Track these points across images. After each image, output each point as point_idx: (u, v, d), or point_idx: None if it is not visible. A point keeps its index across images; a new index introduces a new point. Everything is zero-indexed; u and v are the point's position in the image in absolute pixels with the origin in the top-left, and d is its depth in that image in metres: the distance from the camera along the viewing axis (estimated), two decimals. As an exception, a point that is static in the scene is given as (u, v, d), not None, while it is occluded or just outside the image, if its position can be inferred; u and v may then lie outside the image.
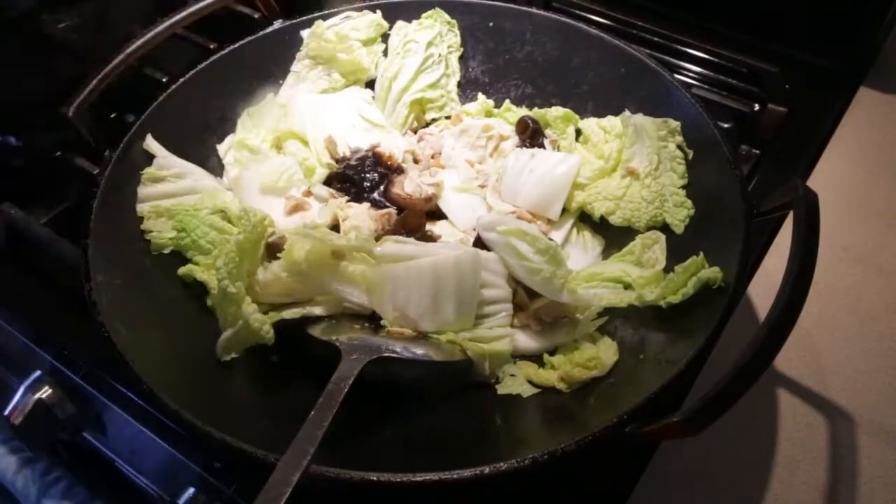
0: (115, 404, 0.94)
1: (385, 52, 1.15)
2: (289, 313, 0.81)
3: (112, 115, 1.20)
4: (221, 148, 1.06)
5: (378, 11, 1.15)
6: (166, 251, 0.90)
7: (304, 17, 1.12)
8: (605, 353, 0.81)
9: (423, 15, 1.14)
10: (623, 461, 0.82)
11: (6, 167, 1.22)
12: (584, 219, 1.00)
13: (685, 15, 1.35)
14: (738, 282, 0.76)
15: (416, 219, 0.94)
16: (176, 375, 0.76)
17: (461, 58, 1.16)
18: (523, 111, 1.10)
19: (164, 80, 1.22)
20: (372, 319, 0.84)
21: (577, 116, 1.06)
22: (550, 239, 0.89)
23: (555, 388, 0.81)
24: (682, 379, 0.70)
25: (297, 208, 0.97)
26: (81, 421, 1.00)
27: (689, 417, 0.59)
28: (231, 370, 0.80)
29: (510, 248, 0.83)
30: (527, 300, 0.87)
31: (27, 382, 0.99)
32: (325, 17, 1.12)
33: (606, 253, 0.96)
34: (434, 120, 1.13)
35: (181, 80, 1.01)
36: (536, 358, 0.86)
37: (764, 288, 0.97)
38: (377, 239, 0.88)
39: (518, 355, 0.85)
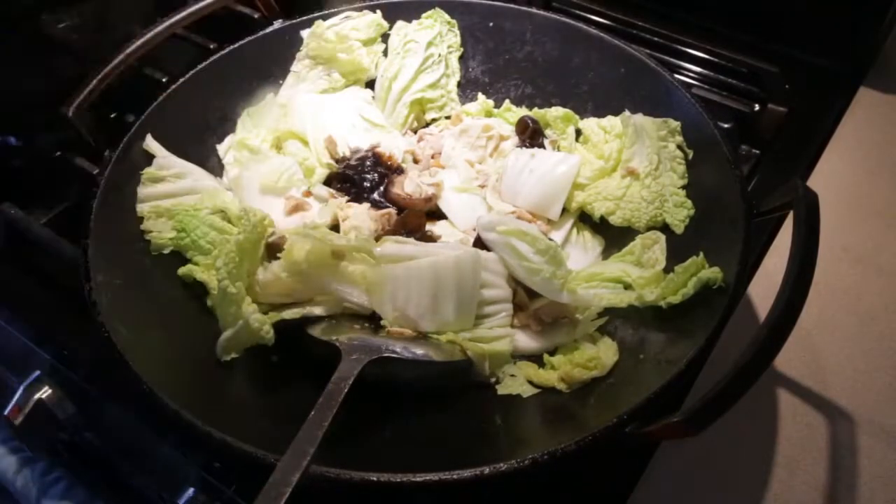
0: (116, 404, 0.94)
1: (385, 52, 1.15)
2: (289, 313, 0.81)
3: (112, 115, 1.20)
4: (221, 148, 1.06)
5: (378, 11, 1.15)
6: (166, 251, 0.90)
7: (304, 17, 1.12)
8: (605, 353, 0.81)
9: (423, 15, 1.14)
10: (623, 461, 0.82)
11: (6, 167, 1.22)
12: (584, 219, 1.00)
13: (685, 15, 1.35)
14: (738, 282, 0.76)
15: (416, 219, 0.94)
16: (176, 375, 0.76)
17: (461, 58, 1.16)
18: (523, 111, 1.10)
19: (164, 80, 1.22)
20: (372, 319, 0.84)
21: (576, 116, 1.06)
22: (550, 239, 0.88)
23: (555, 389, 0.81)
24: (682, 379, 0.70)
25: (297, 208, 0.97)
26: (81, 421, 1.00)
27: (689, 417, 0.59)
28: (231, 370, 0.80)
29: (510, 248, 0.83)
30: (527, 300, 0.87)
31: (27, 382, 0.99)
32: (325, 17, 1.12)
33: (606, 253, 0.96)
34: (434, 120, 1.13)
35: (181, 80, 1.01)
36: (536, 358, 0.86)
37: (764, 288, 0.97)
38: (377, 239, 0.88)
39: (518, 355, 0.85)
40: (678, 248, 0.88)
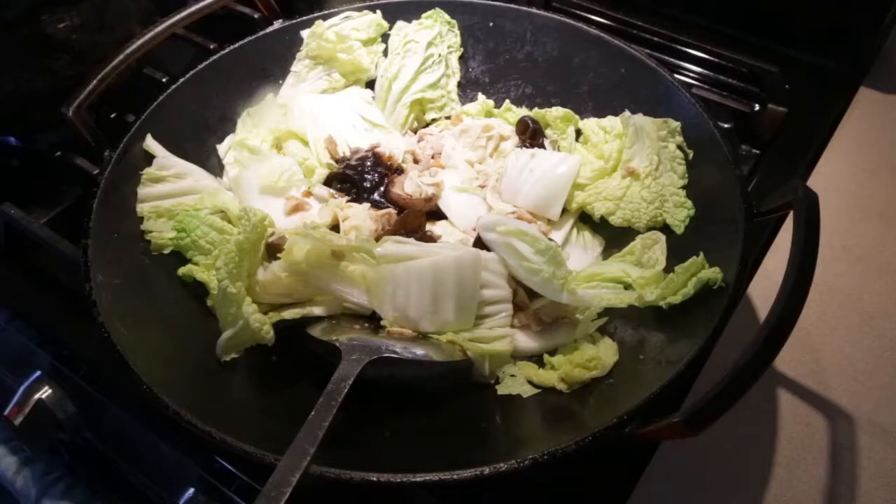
0: (116, 404, 0.94)
1: (385, 53, 1.15)
2: (289, 313, 0.81)
3: (112, 115, 1.21)
4: (221, 148, 1.06)
5: (378, 11, 1.15)
6: (166, 251, 0.90)
7: (304, 17, 1.12)
8: (605, 353, 0.81)
9: (423, 15, 1.14)
10: (623, 461, 0.82)
11: (6, 167, 1.22)
12: (584, 219, 1.00)
13: (685, 15, 1.35)
14: (738, 282, 0.76)
15: (416, 219, 0.94)
16: (176, 375, 0.76)
17: (461, 58, 1.16)
18: (523, 111, 1.10)
19: (164, 80, 1.22)
20: (372, 320, 0.84)
21: (577, 116, 1.06)
22: (550, 239, 0.89)
23: (555, 389, 0.81)
24: (681, 379, 0.70)
25: (297, 208, 0.97)
26: (81, 421, 1.00)
27: (688, 417, 0.59)
28: (231, 370, 0.80)
29: (510, 248, 0.83)
30: (527, 300, 0.87)
31: (27, 382, 0.99)
32: (325, 17, 1.12)
33: (606, 253, 0.96)
34: (434, 120, 1.13)
35: (181, 80, 1.02)
36: (536, 358, 0.86)
37: (764, 288, 0.97)
38: (377, 239, 0.88)
39: (518, 355, 0.85)
40: (678, 249, 0.88)
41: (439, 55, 1.12)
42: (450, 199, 0.99)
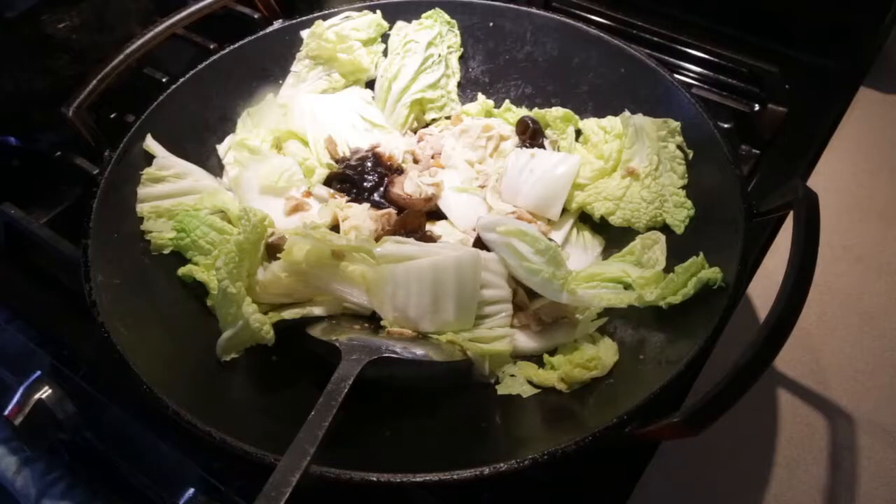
0: (116, 404, 0.94)
1: (385, 53, 1.15)
2: (289, 313, 0.81)
3: (112, 115, 1.21)
4: (221, 148, 1.06)
5: (378, 11, 1.15)
6: (166, 251, 0.90)
7: (304, 17, 1.12)
8: (605, 353, 0.81)
9: (423, 15, 1.14)
10: (623, 461, 0.82)
11: (6, 167, 1.22)
12: (584, 219, 1.00)
13: (685, 15, 1.35)
14: (738, 282, 0.76)
15: (416, 219, 0.94)
16: (176, 375, 0.76)
17: (461, 58, 1.16)
18: (523, 111, 1.10)
19: (164, 80, 1.22)
20: (372, 320, 0.84)
21: (576, 117, 1.06)
22: (550, 239, 0.89)
23: (555, 389, 0.81)
24: (681, 379, 0.70)
25: (296, 208, 0.97)
26: (81, 421, 1.00)
27: (688, 417, 0.59)
28: (231, 370, 0.80)
29: (510, 248, 0.83)
30: (527, 300, 0.87)
31: (27, 382, 0.99)
32: (325, 17, 1.12)
33: (606, 253, 0.96)
34: (434, 120, 1.13)
35: (181, 80, 1.02)
36: (536, 358, 0.86)
37: (764, 288, 0.97)
38: (377, 239, 0.88)
39: (518, 355, 0.85)
40: (678, 249, 0.88)
41: (439, 55, 1.12)
42: (450, 199, 0.98)
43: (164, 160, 0.95)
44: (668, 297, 0.79)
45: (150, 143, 0.95)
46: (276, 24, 1.12)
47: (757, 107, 1.17)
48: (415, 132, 1.12)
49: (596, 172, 0.98)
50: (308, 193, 0.99)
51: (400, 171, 1.03)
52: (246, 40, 1.08)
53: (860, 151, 1.17)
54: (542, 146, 1.04)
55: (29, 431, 0.98)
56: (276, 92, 1.11)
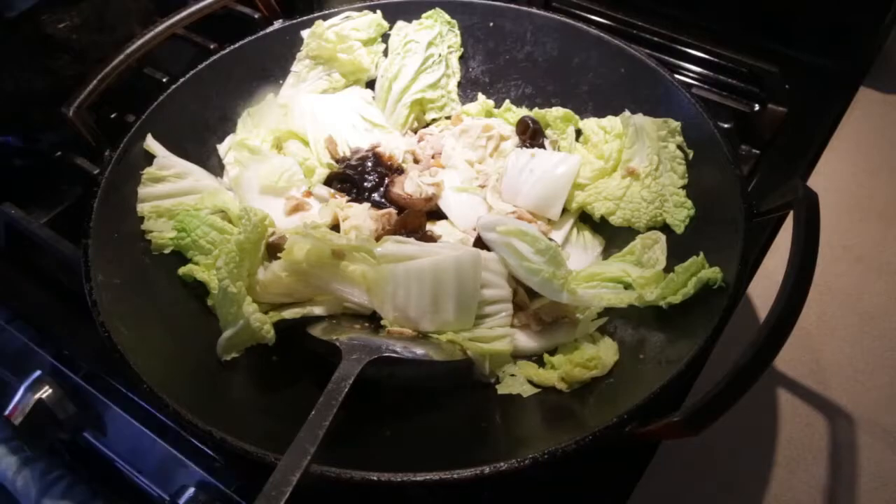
0: (116, 404, 0.94)
1: (385, 53, 1.15)
2: (289, 313, 0.81)
3: (112, 115, 1.21)
4: (222, 148, 1.06)
5: (378, 11, 1.15)
6: (166, 251, 0.90)
7: (305, 17, 1.12)
8: (605, 352, 0.81)
9: (424, 15, 1.14)
10: (623, 461, 0.82)
11: (6, 167, 1.22)
12: (585, 219, 1.00)
13: (685, 15, 1.35)
14: (738, 282, 0.76)
15: (417, 219, 0.94)
16: (176, 375, 0.76)
17: (461, 58, 1.16)
18: (523, 111, 1.10)
19: (164, 80, 1.22)
20: (372, 319, 0.84)
21: (577, 116, 1.06)
22: (550, 239, 0.89)
23: (555, 388, 0.81)
24: (681, 379, 0.70)
25: (297, 208, 0.97)
26: (81, 421, 1.00)
27: (689, 417, 0.59)
28: (231, 370, 0.80)
29: (510, 248, 0.83)
30: (527, 300, 0.87)
31: (27, 382, 0.99)
32: (325, 17, 1.12)
33: (606, 253, 0.96)
34: (434, 120, 1.13)
35: (181, 80, 1.02)
36: (536, 358, 0.86)
37: (764, 288, 0.98)
38: (377, 239, 0.88)
39: (518, 355, 0.85)
40: (678, 248, 0.88)
41: (439, 55, 1.12)
42: (450, 198, 0.99)
43: (165, 160, 0.95)
44: (668, 297, 0.79)
45: (151, 143, 0.95)
46: (277, 24, 1.12)
47: (757, 107, 1.17)
48: (415, 132, 1.12)
49: (596, 172, 0.98)
50: (308, 193, 0.99)
51: (400, 170, 1.03)
52: (246, 40, 1.08)
53: (860, 151, 1.17)
54: (542, 146, 1.04)
55: (29, 431, 0.98)
56: (277, 92, 1.11)
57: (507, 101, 1.13)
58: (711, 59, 1.23)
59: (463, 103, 1.15)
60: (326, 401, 0.67)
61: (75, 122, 0.95)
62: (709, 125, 0.91)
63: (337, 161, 1.03)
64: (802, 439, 0.84)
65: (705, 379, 0.85)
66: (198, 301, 0.88)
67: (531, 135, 1.04)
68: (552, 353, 0.85)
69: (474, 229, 0.92)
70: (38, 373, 1.00)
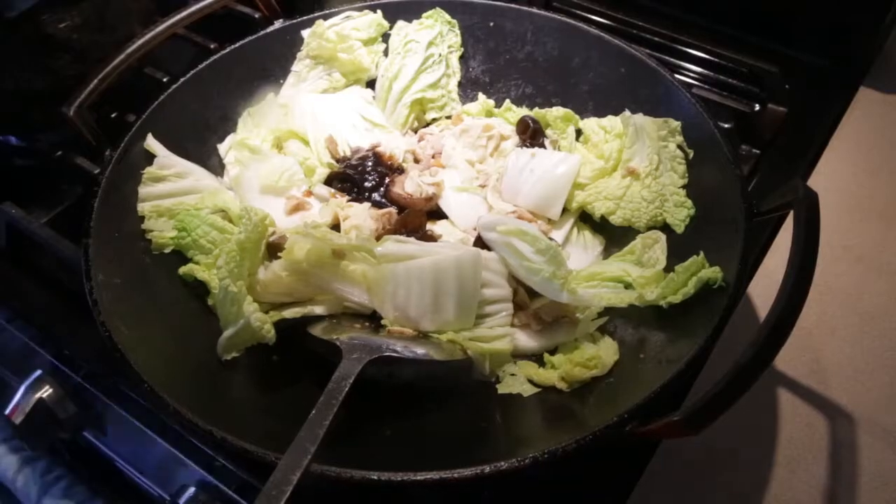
0: (116, 404, 0.94)
1: (385, 52, 1.15)
2: (290, 312, 0.81)
3: (113, 115, 1.21)
4: (222, 147, 1.06)
5: (378, 11, 1.15)
6: (167, 250, 0.90)
7: (305, 17, 1.12)
8: (605, 352, 0.81)
9: (424, 15, 1.14)
10: (623, 460, 0.82)
11: (7, 166, 1.22)
12: (585, 218, 1.00)
13: (685, 15, 1.35)
14: (739, 281, 0.76)
15: (417, 218, 0.94)
16: (177, 374, 0.76)
17: (462, 57, 1.16)
18: (524, 111, 1.10)
19: (164, 79, 1.22)
20: (372, 319, 0.84)
21: (577, 116, 1.07)
22: (551, 239, 0.89)
23: (555, 388, 0.81)
24: (682, 378, 0.70)
25: (297, 208, 0.97)
26: (82, 420, 1.00)
27: (689, 416, 0.59)
28: (232, 369, 0.80)
29: (510, 247, 0.83)
30: (527, 300, 0.87)
31: (28, 382, 0.99)
32: (325, 17, 1.12)
33: (607, 252, 0.96)
34: (435, 120, 1.13)
35: (182, 79, 1.02)
36: (537, 357, 0.86)
37: (764, 288, 0.98)
38: (378, 238, 0.88)
39: (518, 354, 0.85)
40: (678, 248, 0.88)
41: (440, 55, 1.12)
42: (450, 198, 0.99)
43: (165, 159, 0.95)
44: (668, 297, 0.79)
45: (151, 143, 0.95)
46: (277, 24, 1.12)
47: (757, 107, 1.17)
48: (415, 132, 1.12)
49: (596, 172, 0.98)
50: (309, 193, 0.99)
51: (400, 170, 1.03)
52: (246, 40, 1.08)
53: (860, 151, 1.17)
54: (542, 146, 1.04)
55: (29, 431, 0.98)
56: (277, 91, 1.11)
57: (508, 100, 1.13)
58: (711, 59, 1.23)
59: (463, 103, 1.15)
60: (327, 400, 0.67)
61: (76, 121, 0.95)
62: (709, 125, 0.92)
63: (337, 161, 1.03)
64: (802, 439, 0.84)
65: (705, 379, 0.85)
66: (198, 300, 0.88)
67: (531, 134, 1.04)
68: (552, 352, 0.85)
69: (474, 229, 0.92)
70: (38, 372, 1.00)
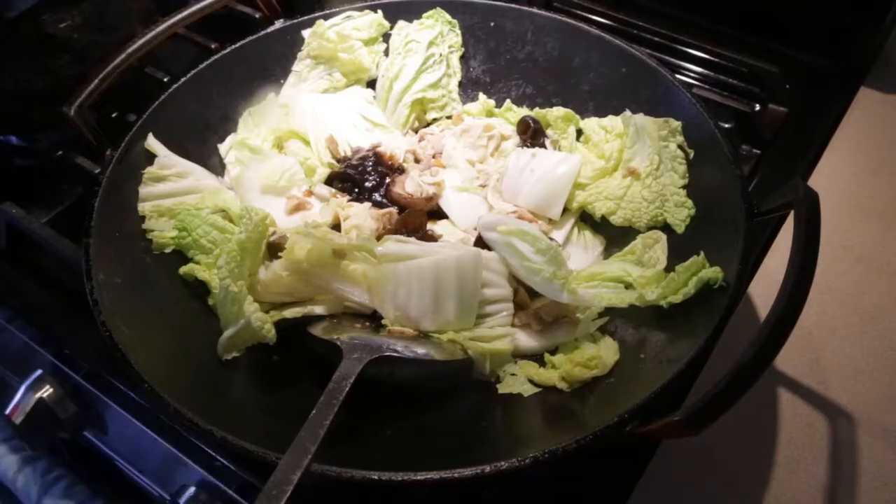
0: (116, 403, 0.94)
1: (386, 52, 1.15)
2: (290, 312, 0.81)
3: (113, 115, 1.21)
4: (223, 147, 1.06)
5: (379, 11, 1.15)
6: (167, 250, 0.90)
7: (306, 17, 1.12)
8: (605, 352, 0.81)
9: (424, 15, 1.14)
10: (624, 460, 0.82)
11: (7, 166, 1.22)
12: (585, 218, 1.00)
13: (685, 15, 1.35)
14: (739, 281, 0.76)
15: (417, 218, 0.94)
16: (177, 374, 0.76)
17: (462, 57, 1.16)
18: (524, 111, 1.10)
19: (165, 79, 1.22)
20: (373, 319, 0.85)
21: (577, 116, 1.07)
22: (551, 239, 0.89)
23: (555, 388, 0.81)
24: (682, 378, 0.70)
25: (298, 208, 0.97)
26: (82, 420, 1.00)
27: (689, 416, 0.59)
28: (232, 369, 0.80)
29: (511, 247, 0.83)
30: (528, 299, 0.87)
31: (28, 382, 0.99)
32: (326, 17, 1.12)
33: (607, 252, 0.96)
34: (435, 120, 1.13)
35: (182, 79, 1.02)
36: (537, 357, 0.86)
37: (764, 288, 0.98)
38: (378, 238, 0.89)
39: (519, 354, 0.85)
40: (679, 248, 0.88)
41: (440, 55, 1.12)
42: (451, 198, 0.99)
43: (166, 159, 0.95)
44: (668, 297, 0.79)
45: (152, 143, 0.95)
46: (278, 24, 1.12)
47: (757, 107, 1.17)
48: (416, 132, 1.12)
49: (597, 172, 0.98)
50: (309, 193, 0.99)
51: (401, 170, 1.03)
52: (247, 40, 1.08)
53: (860, 151, 1.17)
54: (543, 146, 1.04)
55: (30, 430, 0.98)
56: (278, 91, 1.11)
57: (508, 100, 1.13)
58: (712, 59, 1.23)
59: (464, 103, 1.15)
60: (327, 400, 0.67)
61: (76, 121, 0.95)
62: (709, 125, 0.92)
63: (338, 160, 1.03)
64: (802, 439, 0.84)
65: (705, 379, 0.85)
66: (199, 300, 0.88)
67: (532, 134, 1.04)
68: (553, 352, 0.85)
69: (475, 229, 0.92)
70: (38, 372, 1.00)
